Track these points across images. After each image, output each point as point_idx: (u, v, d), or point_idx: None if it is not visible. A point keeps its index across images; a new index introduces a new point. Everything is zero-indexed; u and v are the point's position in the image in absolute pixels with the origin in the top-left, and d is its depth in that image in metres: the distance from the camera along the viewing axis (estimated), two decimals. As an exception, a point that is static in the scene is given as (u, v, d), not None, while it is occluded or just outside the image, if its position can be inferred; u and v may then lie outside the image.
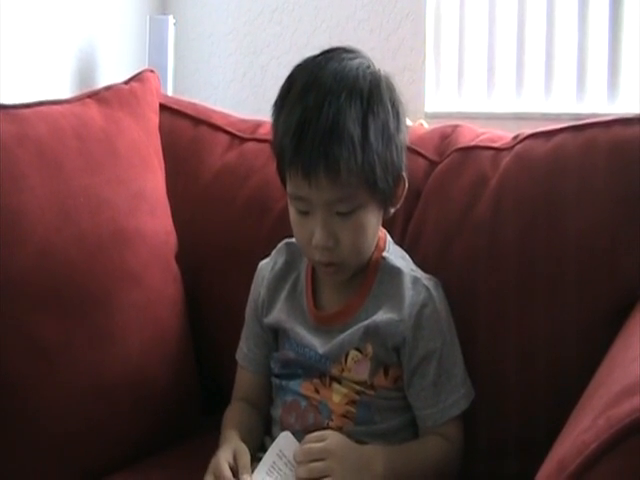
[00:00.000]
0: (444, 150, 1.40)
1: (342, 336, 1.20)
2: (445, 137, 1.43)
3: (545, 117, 3.09)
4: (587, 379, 1.01)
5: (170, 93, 3.45)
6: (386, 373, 1.20)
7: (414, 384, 1.19)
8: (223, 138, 1.57)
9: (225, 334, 1.45)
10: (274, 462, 1.14)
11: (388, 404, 1.21)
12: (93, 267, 1.30)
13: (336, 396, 1.20)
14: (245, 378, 1.32)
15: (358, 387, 1.20)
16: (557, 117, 3.00)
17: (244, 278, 1.37)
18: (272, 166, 1.23)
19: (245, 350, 1.32)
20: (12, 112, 1.35)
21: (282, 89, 1.19)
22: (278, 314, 1.27)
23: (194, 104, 1.65)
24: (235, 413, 1.28)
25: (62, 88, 3.38)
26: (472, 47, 3.37)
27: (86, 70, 3.55)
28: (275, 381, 1.28)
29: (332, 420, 1.19)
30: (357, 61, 1.18)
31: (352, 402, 1.20)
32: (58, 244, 1.27)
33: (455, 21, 3.39)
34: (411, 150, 1.34)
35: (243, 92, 3.88)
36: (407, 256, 1.28)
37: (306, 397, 1.22)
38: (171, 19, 3.66)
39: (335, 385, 1.21)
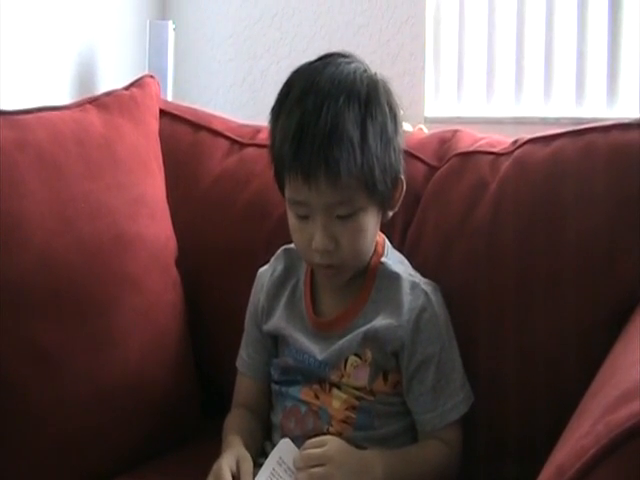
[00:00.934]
0: (443, 155, 1.40)
1: (341, 342, 1.20)
2: (444, 142, 1.43)
3: (544, 122, 3.09)
4: (587, 383, 1.01)
5: (170, 98, 3.45)
6: (385, 378, 1.20)
7: (413, 389, 1.19)
8: (223, 143, 1.57)
9: (224, 338, 1.45)
10: (274, 469, 1.13)
11: (387, 409, 1.21)
12: (93, 272, 1.30)
13: (336, 402, 1.20)
14: (245, 385, 1.32)
15: (358, 393, 1.20)
16: (556, 122, 3.01)
17: (244, 283, 1.37)
18: (271, 172, 1.23)
19: (245, 357, 1.32)
20: (12, 118, 1.35)
21: (280, 95, 1.20)
22: (277, 321, 1.27)
23: (194, 109, 1.65)
24: (236, 419, 1.28)
25: (62, 93, 3.38)
26: (471, 52, 3.37)
27: (86, 75, 3.55)
28: (275, 387, 1.28)
29: (332, 425, 1.19)
30: (354, 65, 1.19)
31: (352, 408, 1.20)
32: (58, 249, 1.27)
33: (454, 26, 3.39)
34: (411, 155, 1.35)
35: (243, 97, 3.89)
36: (406, 261, 1.28)
37: (306, 403, 1.22)
38: (171, 24, 3.66)
39: (335, 391, 1.21)
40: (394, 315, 1.19)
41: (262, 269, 1.33)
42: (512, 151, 1.34)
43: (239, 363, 1.33)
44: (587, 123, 1.32)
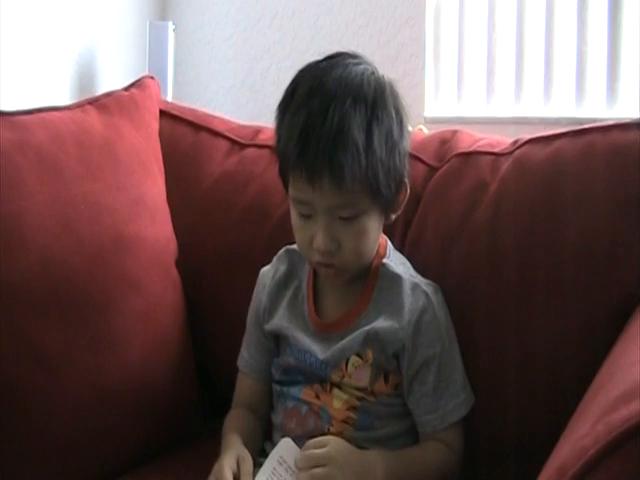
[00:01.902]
0: (444, 155, 1.40)
1: (342, 342, 1.20)
2: (445, 142, 1.43)
3: (544, 122, 3.09)
4: (587, 383, 1.01)
5: (170, 99, 3.45)
6: (386, 380, 1.20)
7: (414, 390, 1.19)
8: (223, 144, 1.57)
9: (225, 339, 1.45)
10: (275, 468, 1.14)
11: (388, 410, 1.21)
12: (93, 273, 1.30)
13: (337, 402, 1.20)
14: (246, 384, 1.32)
15: (359, 393, 1.20)
16: (556, 122, 3.00)
17: (244, 284, 1.37)
18: (272, 172, 1.23)
19: (246, 357, 1.33)
20: (12, 119, 1.35)
21: (286, 93, 1.19)
22: (279, 321, 1.27)
23: (194, 110, 1.65)
24: (236, 419, 1.29)
25: (62, 94, 3.38)
26: (471, 52, 3.37)
27: (86, 76, 3.55)
28: (276, 387, 1.28)
29: (332, 425, 1.20)
30: (362, 67, 1.18)
31: (352, 408, 1.20)
32: (58, 251, 1.27)
33: (454, 26, 3.39)
34: (411, 155, 1.34)
35: (243, 98, 3.89)
36: (407, 262, 1.28)
37: (307, 403, 1.22)
38: (171, 25, 3.67)
39: (336, 391, 1.21)
40: (395, 317, 1.19)
41: (264, 269, 1.34)
42: (512, 151, 1.34)
43: (240, 362, 1.33)
44: (587, 123, 1.32)
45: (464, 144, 1.40)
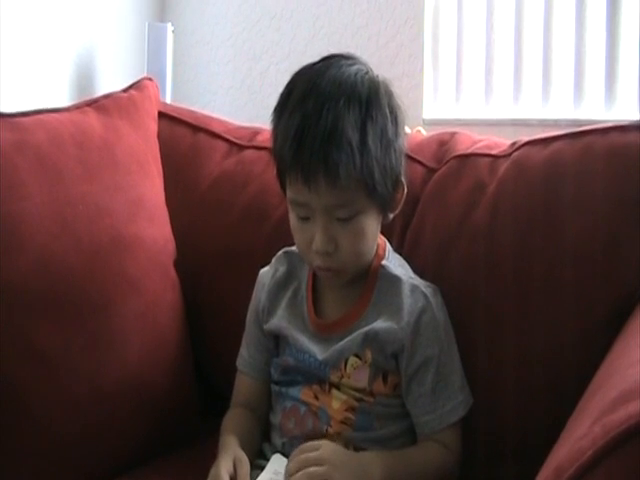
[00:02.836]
0: (442, 157, 1.40)
1: (341, 343, 1.21)
2: (443, 144, 1.43)
3: (543, 123, 3.09)
4: (585, 384, 1.01)
5: (169, 100, 3.46)
6: (385, 380, 1.20)
7: (412, 391, 1.20)
8: (221, 145, 1.58)
9: (223, 340, 1.45)
10: (271, 479, 1.13)
11: (387, 411, 1.21)
12: (92, 274, 1.30)
13: (335, 402, 1.20)
14: (245, 384, 1.33)
15: (357, 394, 1.20)
16: (555, 123, 3.00)
17: (243, 284, 1.37)
18: (270, 173, 1.23)
19: (246, 356, 1.33)
20: (11, 120, 1.35)
21: (281, 96, 1.20)
22: (278, 321, 1.27)
23: (193, 112, 1.66)
24: (234, 419, 1.29)
25: (60, 95, 3.38)
26: (470, 54, 3.37)
27: (85, 77, 3.55)
28: (275, 388, 1.28)
29: (331, 426, 1.20)
30: (355, 67, 1.19)
31: (351, 408, 1.20)
32: (57, 251, 1.27)
33: (453, 28, 3.39)
34: (409, 157, 1.35)
35: (242, 98, 3.89)
36: (406, 264, 1.28)
37: (305, 403, 1.22)
38: (169, 26, 3.67)
39: (334, 391, 1.21)
40: (394, 318, 1.19)
41: (263, 270, 1.34)
42: (510, 153, 1.35)
43: (239, 362, 1.34)
44: (585, 125, 1.32)
45: (462, 146, 1.41)
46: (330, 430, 1.19)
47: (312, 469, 1.10)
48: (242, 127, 1.63)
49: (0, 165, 1.27)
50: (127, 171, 1.41)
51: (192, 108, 1.68)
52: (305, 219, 1.17)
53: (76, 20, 3.46)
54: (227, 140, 1.58)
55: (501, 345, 1.25)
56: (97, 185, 1.36)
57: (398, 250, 1.31)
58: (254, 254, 1.42)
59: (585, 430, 0.76)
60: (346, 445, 1.17)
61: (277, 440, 1.24)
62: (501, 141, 1.41)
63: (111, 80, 3.54)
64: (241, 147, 1.57)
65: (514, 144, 1.37)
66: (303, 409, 1.22)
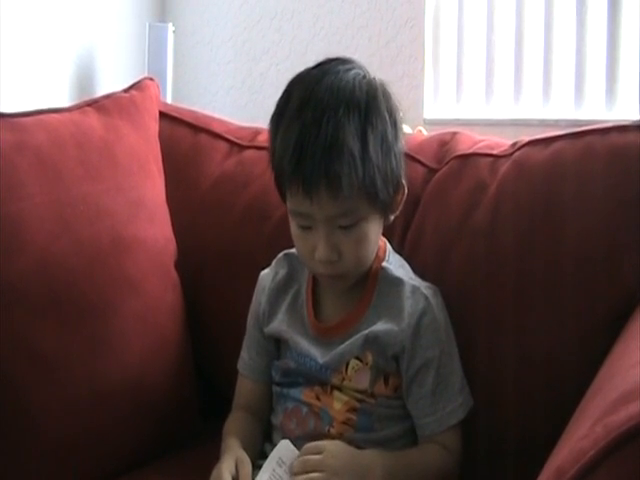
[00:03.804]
0: (443, 157, 1.40)
1: (342, 346, 1.20)
2: (444, 144, 1.43)
3: (543, 123, 3.10)
4: (586, 385, 1.01)
5: (169, 100, 3.46)
6: (386, 382, 1.20)
7: (413, 392, 1.20)
8: (222, 146, 1.58)
9: (224, 341, 1.45)
10: (274, 469, 1.14)
11: (388, 412, 1.21)
12: (92, 275, 1.30)
13: (337, 403, 1.20)
14: (246, 387, 1.32)
15: (359, 395, 1.20)
16: (555, 123, 3.01)
17: (243, 285, 1.37)
18: (271, 174, 1.23)
19: (247, 359, 1.32)
20: (12, 121, 1.35)
21: (278, 105, 1.19)
22: (279, 324, 1.27)
23: (193, 112, 1.65)
24: (236, 422, 1.28)
25: (61, 95, 3.38)
26: (471, 54, 3.38)
27: (85, 77, 3.56)
28: (276, 389, 1.28)
29: (332, 427, 1.20)
30: (353, 72, 1.17)
31: (353, 409, 1.20)
32: (57, 252, 1.27)
33: (454, 28, 3.40)
34: (410, 157, 1.35)
35: (242, 99, 3.89)
36: (406, 265, 1.28)
37: (307, 404, 1.22)
38: (170, 26, 3.67)
39: (336, 393, 1.21)
40: (395, 320, 1.19)
41: (264, 272, 1.33)
42: (511, 153, 1.34)
43: (240, 365, 1.33)
44: (586, 125, 1.32)
45: (463, 146, 1.40)
46: (332, 431, 1.19)
47: (312, 475, 1.10)
48: (243, 127, 1.63)
49: (0, 165, 1.27)
50: (128, 171, 1.41)
51: (193, 108, 1.68)
52: (306, 228, 1.17)
53: (76, 21, 3.46)
54: (228, 140, 1.58)
55: (501, 345, 1.25)
56: (97, 185, 1.36)
57: (399, 250, 1.31)
58: (255, 254, 1.42)
59: (586, 431, 0.76)
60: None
61: (278, 441, 1.23)
62: (502, 141, 1.40)
63: (112, 80, 3.54)
64: (242, 147, 1.57)
65: (515, 144, 1.37)
66: (305, 410, 1.22)
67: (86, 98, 1.53)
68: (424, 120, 3.35)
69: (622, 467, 0.70)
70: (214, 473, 1.15)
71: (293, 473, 1.12)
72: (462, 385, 1.21)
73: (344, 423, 1.19)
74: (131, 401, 1.31)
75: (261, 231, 1.45)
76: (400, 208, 1.24)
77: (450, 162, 1.38)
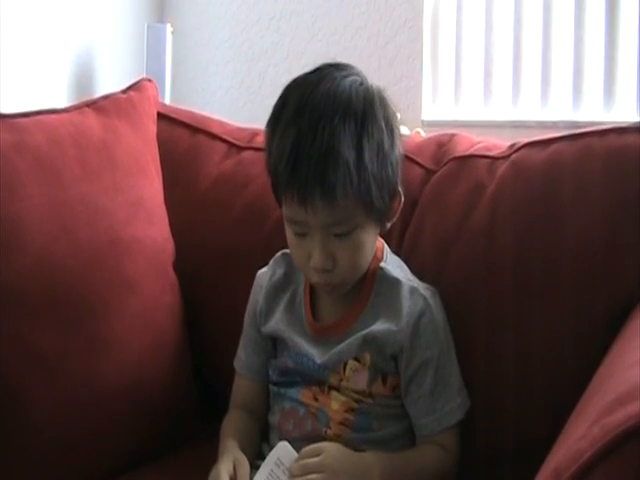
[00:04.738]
0: (441, 159, 1.40)
1: (340, 346, 1.20)
2: (442, 146, 1.43)
3: (541, 125, 3.10)
4: (585, 385, 1.01)
5: (168, 101, 3.46)
6: (384, 381, 1.20)
7: (411, 392, 1.20)
8: (220, 147, 1.58)
9: (222, 341, 1.45)
10: (272, 470, 1.14)
11: (386, 412, 1.21)
12: (90, 275, 1.30)
13: (335, 404, 1.20)
14: (243, 386, 1.32)
15: (357, 396, 1.20)
16: (553, 125, 3.01)
17: (242, 285, 1.37)
18: (269, 182, 1.23)
19: (243, 358, 1.33)
20: (10, 121, 1.35)
21: (275, 109, 1.18)
22: (276, 324, 1.27)
23: (192, 113, 1.65)
24: (234, 422, 1.28)
25: (59, 96, 3.38)
26: (469, 55, 3.38)
27: (84, 78, 3.56)
28: (273, 389, 1.28)
29: (330, 428, 1.20)
30: (350, 79, 1.17)
31: (350, 410, 1.20)
32: (56, 252, 1.27)
33: (452, 29, 3.40)
34: (408, 159, 1.35)
35: (241, 99, 3.89)
36: (404, 265, 1.28)
37: (304, 404, 1.22)
38: (169, 27, 3.67)
39: (334, 393, 1.21)
40: (393, 320, 1.19)
41: (261, 271, 1.34)
42: (509, 155, 1.35)
43: (237, 364, 1.33)
44: (584, 127, 1.33)
45: (461, 147, 1.41)
46: (329, 432, 1.19)
47: (311, 476, 1.10)
48: (241, 128, 1.63)
49: (-1, 166, 1.27)
50: (126, 172, 1.41)
51: (191, 109, 1.68)
52: (302, 235, 1.17)
53: (75, 21, 3.46)
54: (226, 141, 1.58)
55: (500, 346, 1.25)
56: (96, 186, 1.36)
57: (397, 252, 1.31)
58: (253, 255, 1.42)
59: (584, 431, 0.76)
60: (345, 447, 1.17)
61: (276, 441, 1.23)
62: (500, 142, 1.41)
63: (110, 81, 3.54)
64: (240, 148, 1.57)
65: (513, 145, 1.37)
66: (302, 410, 1.22)
67: (85, 98, 1.53)
68: (422, 121, 3.36)
69: (619, 467, 0.70)
70: (212, 474, 1.15)
71: (292, 476, 1.12)
72: (460, 386, 1.21)
73: (341, 424, 1.19)
74: (129, 401, 1.31)
75: (259, 231, 1.45)
76: (397, 216, 1.24)
77: (448, 163, 1.38)
